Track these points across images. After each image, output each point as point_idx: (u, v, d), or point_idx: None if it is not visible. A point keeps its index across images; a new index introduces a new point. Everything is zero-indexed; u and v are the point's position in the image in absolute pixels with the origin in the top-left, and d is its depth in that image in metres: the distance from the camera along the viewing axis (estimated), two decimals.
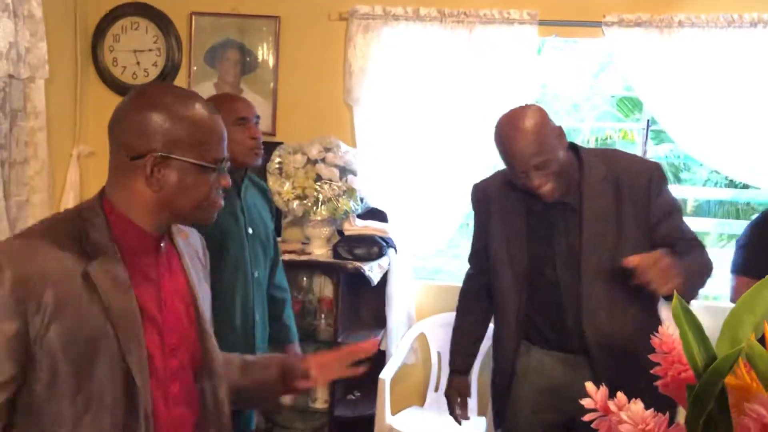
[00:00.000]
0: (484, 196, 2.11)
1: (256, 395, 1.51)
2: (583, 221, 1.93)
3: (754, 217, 2.60)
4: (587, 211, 1.93)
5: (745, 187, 3.37)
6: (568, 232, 1.96)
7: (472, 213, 2.18)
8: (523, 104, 1.92)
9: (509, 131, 1.86)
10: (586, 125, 7.21)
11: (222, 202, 1.27)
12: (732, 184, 4.00)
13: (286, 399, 3.21)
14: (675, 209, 1.99)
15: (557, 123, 1.91)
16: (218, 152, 1.22)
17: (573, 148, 1.99)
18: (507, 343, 2.09)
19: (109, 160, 1.22)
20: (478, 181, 2.18)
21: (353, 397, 3.28)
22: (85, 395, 1.13)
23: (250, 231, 2.18)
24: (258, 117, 2.18)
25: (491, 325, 2.24)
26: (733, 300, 2.59)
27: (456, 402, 2.21)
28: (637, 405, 0.97)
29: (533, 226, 2.00)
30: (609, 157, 2.00)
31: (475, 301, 2.22)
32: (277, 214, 3.20)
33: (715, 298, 3.95)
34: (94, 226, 1.17)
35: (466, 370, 2.23)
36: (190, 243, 1.40)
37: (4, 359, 1.08)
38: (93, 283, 1.13)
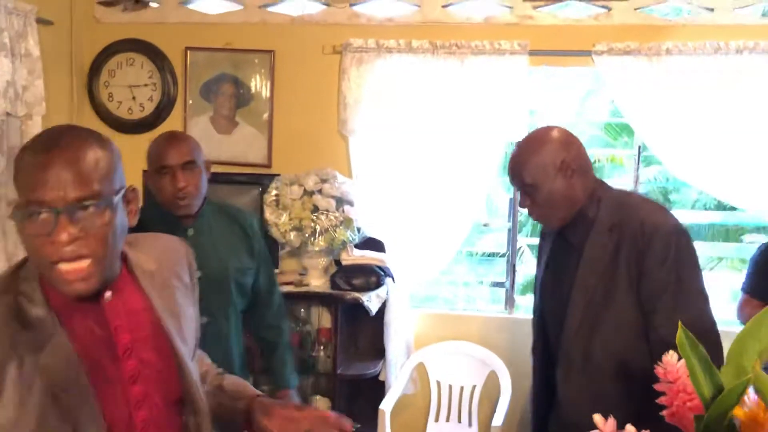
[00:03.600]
0: (543, 230, 2.07)
1: (215, 417, 1.40)
2: (578, 269, 1.79)
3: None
4: (585, 260, 1.79)
5: (734, 209, 3.41)
6: (566, 274, 1.85)
7: None
8: (550, 126, 1.86)
9: (515, 147, 1.88)
10: None
11: (60, 254, 1.05)
12: (721, 205, 4.04)
13: None
14: (678, 290, 1.66)
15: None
16: (27, 194, 1.04)
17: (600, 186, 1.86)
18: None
19: None
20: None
21: (353, 429, 3.25)
22: None
23: (199, 274, 2.10)
24: (191, 162, 2.06)
25: None
26: (738, 317, 2.63)
27: None
28: None
29: (553, 265, 1.96)
30: (626, 204, 1.79)
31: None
32: (274, 246, 3.19)
33: None
34: (31, 299, 1.08)
35: None
36: (164, 267, 1.31)
37: None
38: (32, 364, 1.05)
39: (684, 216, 8.16)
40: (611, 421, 1.09)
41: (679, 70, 3.07)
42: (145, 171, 2.15)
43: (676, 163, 3.19)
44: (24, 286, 1.10)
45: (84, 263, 1.05)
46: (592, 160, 1.90)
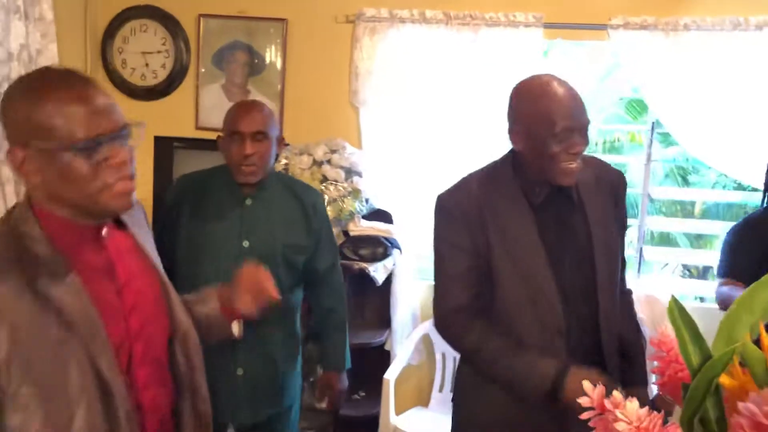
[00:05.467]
0: (471, 202, 1.78)
1: (203, 329, 1.46)
2: (591, 224, 1.77)
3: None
4: (592, 213, 1.79)
5: (755, 190, 3.36)
6: (575, 233, 1.78)
7: (439, 234, 1.81)
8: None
9: (558, 87, 1.69)
10: (593, 127, 7.18)
11: (130, 185, 1.19)
12: (741, 186, 3.99)
13: None
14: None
15: None
16: (86, 131, 1.12)
17: None
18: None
19: None
20: (443, 192, 1.85)
21: (358, 397, 3.30)
22: (61, 411, 1.10)
23: (246, 244, 2.11)
24: (261, 133, 2.09)
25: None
26: (718, 302, 2.60)
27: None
28: (633, 403, 0.98)
29: (540, 220, 1.76)
30: (589, 158, 1.87)
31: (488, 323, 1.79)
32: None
33: (713, 301, 3.93)
34: (31, 237, 1.13)
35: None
36: (134, 215, 1.36)
37: None
38: (45, 299, 1.10)
39: (702, 196, 8.04)
40: (600, 388, 1.09)
41: (696, 45, 3.02)
42: (219, 137, 2.20)
43: (692, 141, 3.15)
44: (23, 228, 1.14)
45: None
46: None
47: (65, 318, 1.11)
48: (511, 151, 1.83)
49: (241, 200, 2.15)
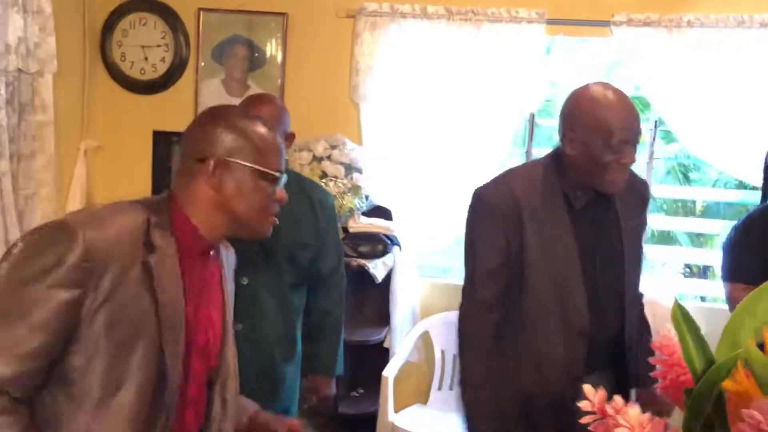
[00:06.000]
0: (511, 201, 1.77)
1: None
2: (623, 227, 1.84)
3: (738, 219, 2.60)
4: (624, 217, 1.86)
5: (755, 188, 3.34)
6: (609, 235, 1.84)
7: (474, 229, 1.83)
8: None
9: (618, 98, 1.71)
10: None
11: (275, 219, 1.36)
12: (742, 185, 3.96)
13: None
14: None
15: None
16: (275, 164, 1.33)
17: None
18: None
19: (178, 168, 1.35)
20: (482, 187, 1.84)
21: (356, 395, 3.29)
22: (116, 376, 1.18)
23: None
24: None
25: None
26: (731, 308, 2.55)
27: None
28: (634, 409, 0.97)
29: (577, 223, 1.79)
30: None
31: (498, 343, 1.81)
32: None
33: (713, 300, 3.92)
34: (160, 220, 1.26)
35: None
36: (229, 258, 1.47)
37: (51, 325, 1.13)
38: (150, 273, 1.20)
39: (703, 194, 8.03)
40: (601, 392, 1.07)
41: (700, 43, 2.99)
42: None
43: (693, 139, 3.13)
44: (159, 217, 1.27)
45: None
46: None
47: (158, 298, 1.21)
48: (555, 153, 1.84)
49: None
